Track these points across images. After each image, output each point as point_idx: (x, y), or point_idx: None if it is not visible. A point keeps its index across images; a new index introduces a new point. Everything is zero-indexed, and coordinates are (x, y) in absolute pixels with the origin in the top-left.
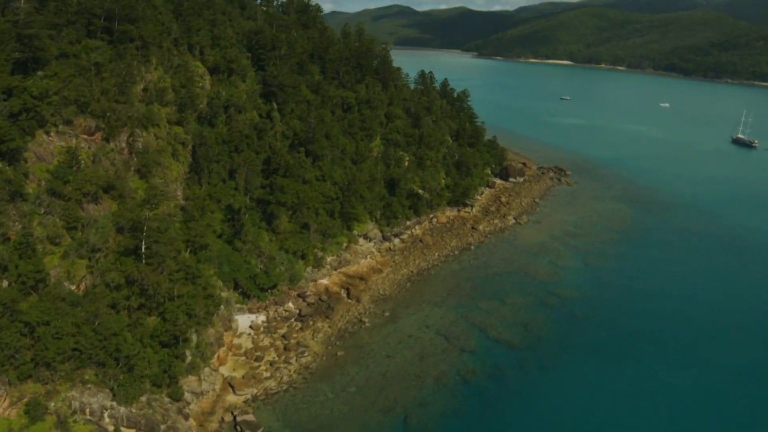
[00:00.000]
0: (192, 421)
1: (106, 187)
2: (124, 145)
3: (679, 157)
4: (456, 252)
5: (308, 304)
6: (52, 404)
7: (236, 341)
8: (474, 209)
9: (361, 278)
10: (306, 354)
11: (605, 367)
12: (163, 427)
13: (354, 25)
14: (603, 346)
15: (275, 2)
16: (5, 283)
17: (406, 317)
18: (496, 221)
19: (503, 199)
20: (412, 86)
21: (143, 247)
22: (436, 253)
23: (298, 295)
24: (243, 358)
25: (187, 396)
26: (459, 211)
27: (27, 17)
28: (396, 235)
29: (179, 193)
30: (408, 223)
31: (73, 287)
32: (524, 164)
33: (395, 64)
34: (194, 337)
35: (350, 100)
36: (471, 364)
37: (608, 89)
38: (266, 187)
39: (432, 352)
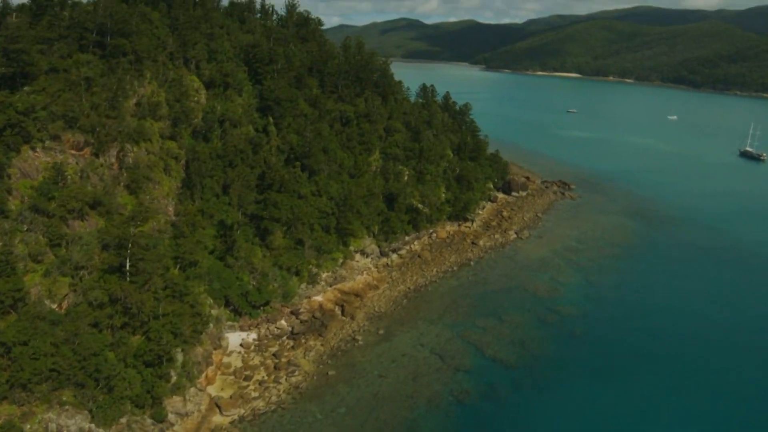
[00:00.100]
0: None
1: (93, 203)
2: (113, 160)
3: (685, 170)
4: (455, 268)
5: (301, 322)
6: (28, 426)
7: (226, 360)
8: (475, 224)
9: (357, 295)
10: (296, 373)
11: (603, 388)
12: None
13: (354, 38)
14: (602, 365)
15: (275, 16)
16: None
17: (400, 335)
18: (497, 236)
19: (505, 213)
20: (413, 100)
21: (128, 265)
22: (435, 269)
23: (291, 312)
24: (232, 377)
25: (171, 417)
26: (459, 225)
27: (14, 31)
28: (394, 251)
29: (170, 209)
30: (407, 238)
31: (55, 306)
32: (528, 178)
33: (403, 76)
34: (180, 356)
35: (349, 113)
36: (465, 384)
37: (616, 102)
38: (260, 203)
39: (426, 372)
